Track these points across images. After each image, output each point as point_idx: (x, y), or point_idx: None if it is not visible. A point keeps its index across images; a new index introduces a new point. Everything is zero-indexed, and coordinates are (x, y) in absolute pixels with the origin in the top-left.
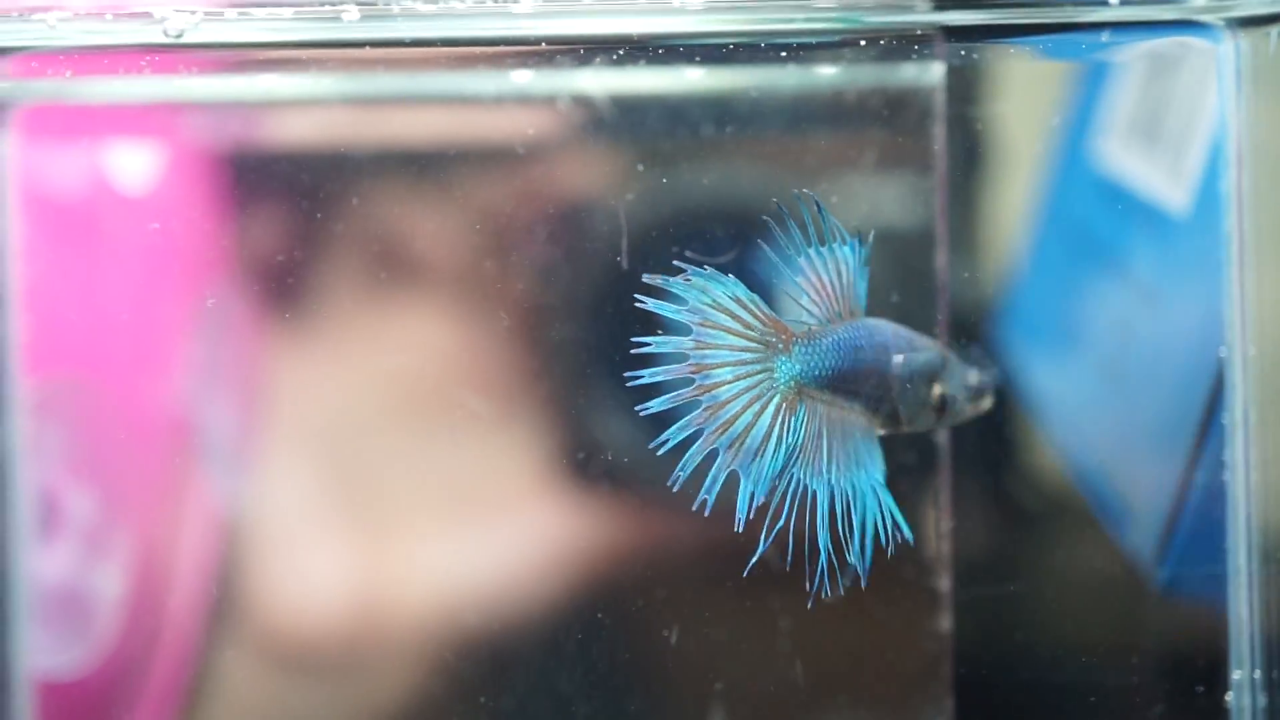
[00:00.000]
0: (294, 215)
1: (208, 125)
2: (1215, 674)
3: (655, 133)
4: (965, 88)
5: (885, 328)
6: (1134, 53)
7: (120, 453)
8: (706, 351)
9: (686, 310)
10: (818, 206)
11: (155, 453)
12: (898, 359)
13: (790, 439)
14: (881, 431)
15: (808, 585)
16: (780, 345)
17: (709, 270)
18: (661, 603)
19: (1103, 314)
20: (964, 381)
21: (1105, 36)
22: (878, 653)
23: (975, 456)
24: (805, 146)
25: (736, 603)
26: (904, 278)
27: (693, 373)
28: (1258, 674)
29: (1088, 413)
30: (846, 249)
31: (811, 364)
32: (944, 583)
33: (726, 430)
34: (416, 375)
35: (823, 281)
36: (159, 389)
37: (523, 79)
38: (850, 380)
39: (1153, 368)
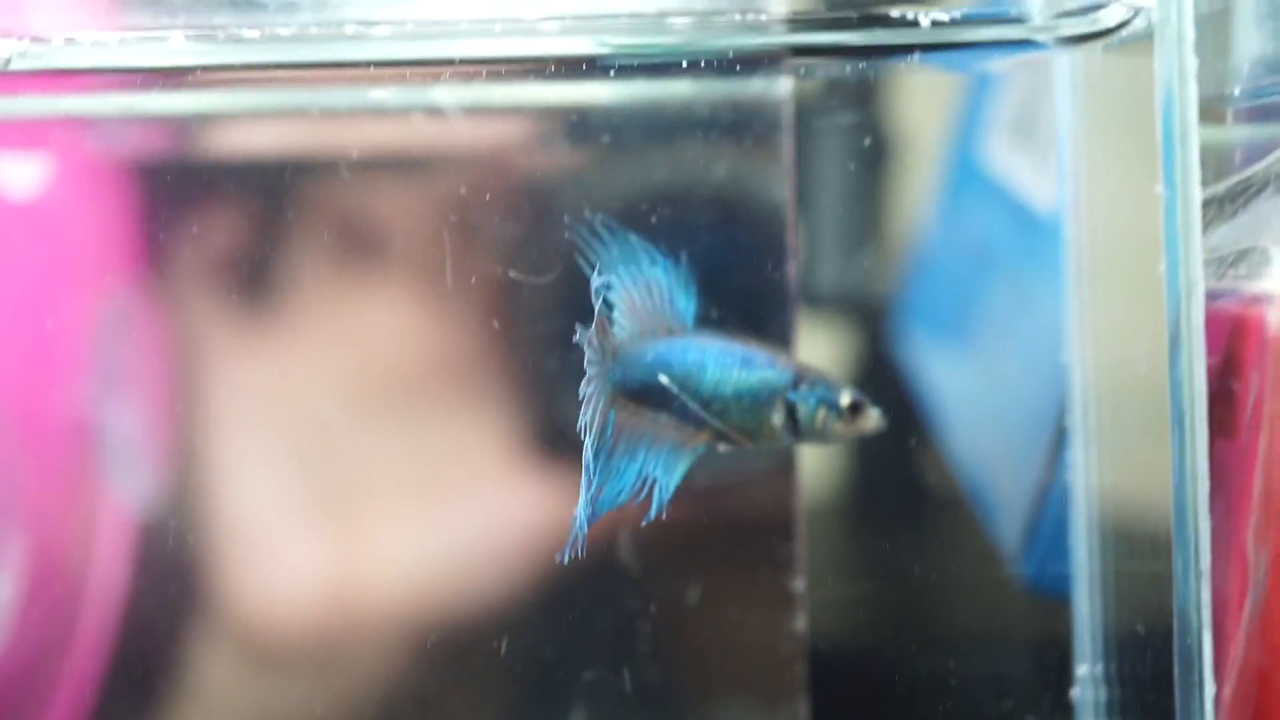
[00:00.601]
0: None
1: (102, 135)
2: (1066, 669)
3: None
4: (832, 95)
5: (712, 345)
6: (1002, 64)
7: (11, 459)
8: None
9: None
10: (612, 230)
11: (51, 457)
12: (713, 378)
13: (602, 439)
14: (722, 447)
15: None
16: (610, 354)
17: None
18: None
19: (986, 311)
20: (828, 399)
21: (916, 58)
22: (733, 653)
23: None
24: (659, 159)
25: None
26: (758, 285)
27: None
28: (1099, 668)
29: (966, 408)
30: (658, 269)
31: (626, 373)
32: (799, 583)
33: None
34: (376, 362)
35: (633, 301)
36: (55, 393)
37: (382, 95)
38: (658, 396)
39: (1025, 365)
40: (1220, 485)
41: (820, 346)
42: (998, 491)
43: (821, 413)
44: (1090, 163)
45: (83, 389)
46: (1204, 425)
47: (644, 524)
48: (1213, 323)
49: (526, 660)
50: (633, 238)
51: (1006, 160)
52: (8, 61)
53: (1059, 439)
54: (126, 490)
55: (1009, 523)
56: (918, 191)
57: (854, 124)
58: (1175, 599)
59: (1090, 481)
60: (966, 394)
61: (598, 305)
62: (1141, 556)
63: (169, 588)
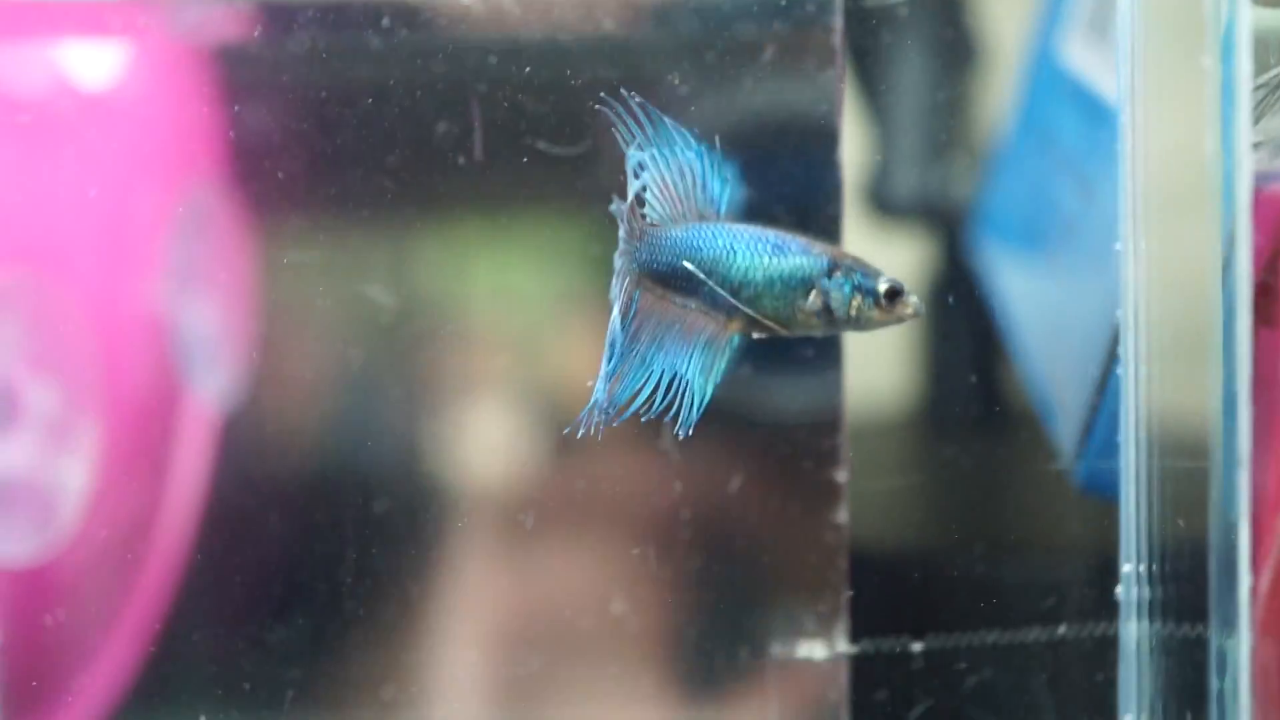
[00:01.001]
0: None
1: (180, 19)
2: (1112, 569)
3: (560, 25)
4: None
5: (744, 232)
6: None
7: (86, 349)
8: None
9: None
10: (645, 109)
11: (127, 350)
12: (743, 265)
13: (629, 322)
14: (756, 335)
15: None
16: (638, 234)
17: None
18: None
19: (1055, 212)
20: (864, 285)
21: None
22: (776, 542)
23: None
24: (707, 42)
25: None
26: (807, 173)
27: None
28: (1143, 567)
29: (1034, 312)
30: (692, 153)
31: (653, 256)
32: (841, 475)
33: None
34: None
35: (666, 184)
36: (130, 287)
37: None
38: (684, 281)
39: (1087, 262)
40: (1262, 374)
41: (883, 253)
42: (1059, 393)
43: (857, 299)
44: (1147, 45)
45: (160, 284)
46: (1248, 314)
47: (679, 433)
48: (1262, 206)
49: (568, 541)
50: (667, 120)
51: (1084, 54)
52: None
53: (1115, 337)
54: (204, 387)
55: (1067, 424)
56: (995, 88)
57: (918, 11)
58: (1215, 489)
59: (1139, 376)
60: (1037, 297)
61: (631, 182)
62: (1187, 453)
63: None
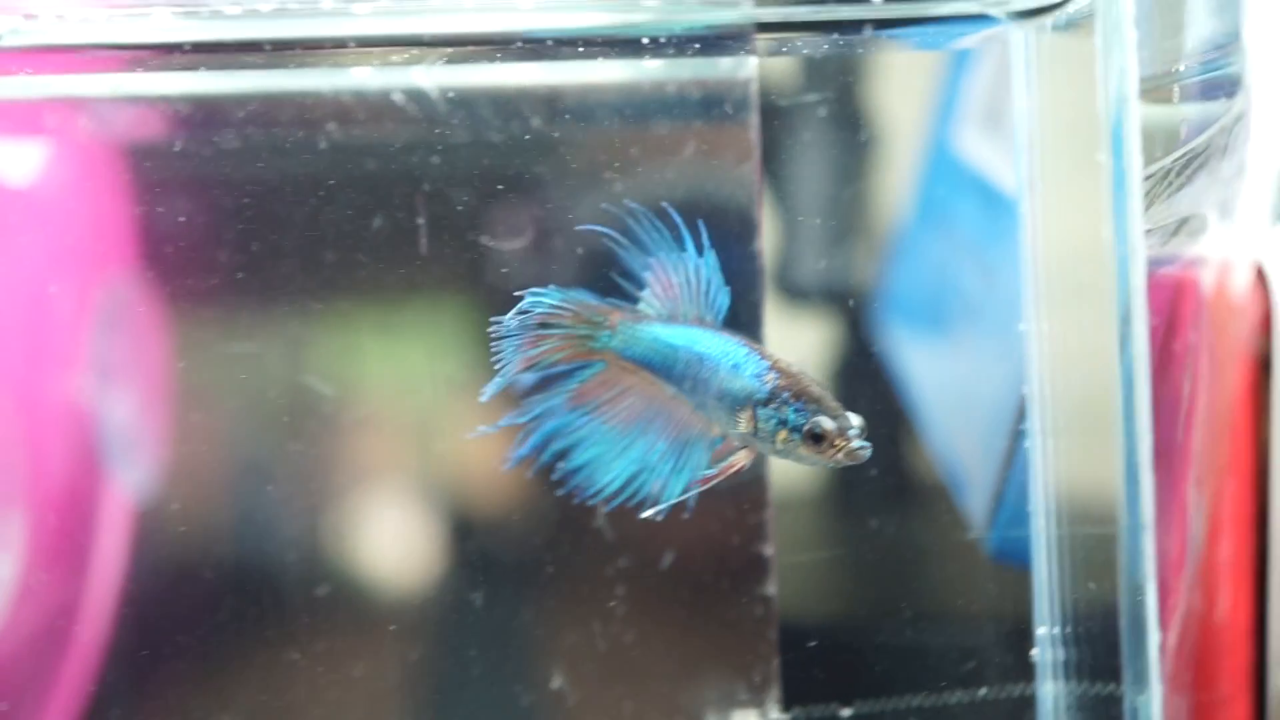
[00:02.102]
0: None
1: (98, 119)
2: (1027, 633)
3: (487, 125)
4: (808, 76)
5: (717, 342)
6: (972, 40)
7: (11, 443)
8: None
9: (519, 327)
10: (666, 213)
11: (51, 441)
12: (705, 374)
13: (577, 381)
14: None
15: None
16: (606, 324)
17: (530, 292)
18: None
19: (956, 294)
20: (792, 423)
21: (868, 31)
22: (707, 615)
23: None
24: (631, 137)
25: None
26: (728, 261)
27: (527, 350)
28: (1057, 630)
29: (939, 385)
30: (701, 260)
31: (625, 344)
32: (768, 549)
33: (534, 360)
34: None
35: (671, 283)
36: (54, 381)
37: (361, 75)
38: (662, 374)
39: (989, 343)
40: (1162, 443)
41: (798, 336)
42: (966, 465)
43: (783, 433)
44: (1043, 140)
45: (81, 375)
46: (1146, 386)
47: (651, 516)
48: (1156, 289)
49: (502, 623)
50: (681, 224)
51: (978, 145)
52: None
53: (1020, 412)
54: (125, 477)
55: (976, 496)
56: (895, 178)
57: (827, 108)
58: (1122, 553)
59: (1046, 448)
60: (942, 376)
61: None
62: (1095, 520)
63: (168, 571)
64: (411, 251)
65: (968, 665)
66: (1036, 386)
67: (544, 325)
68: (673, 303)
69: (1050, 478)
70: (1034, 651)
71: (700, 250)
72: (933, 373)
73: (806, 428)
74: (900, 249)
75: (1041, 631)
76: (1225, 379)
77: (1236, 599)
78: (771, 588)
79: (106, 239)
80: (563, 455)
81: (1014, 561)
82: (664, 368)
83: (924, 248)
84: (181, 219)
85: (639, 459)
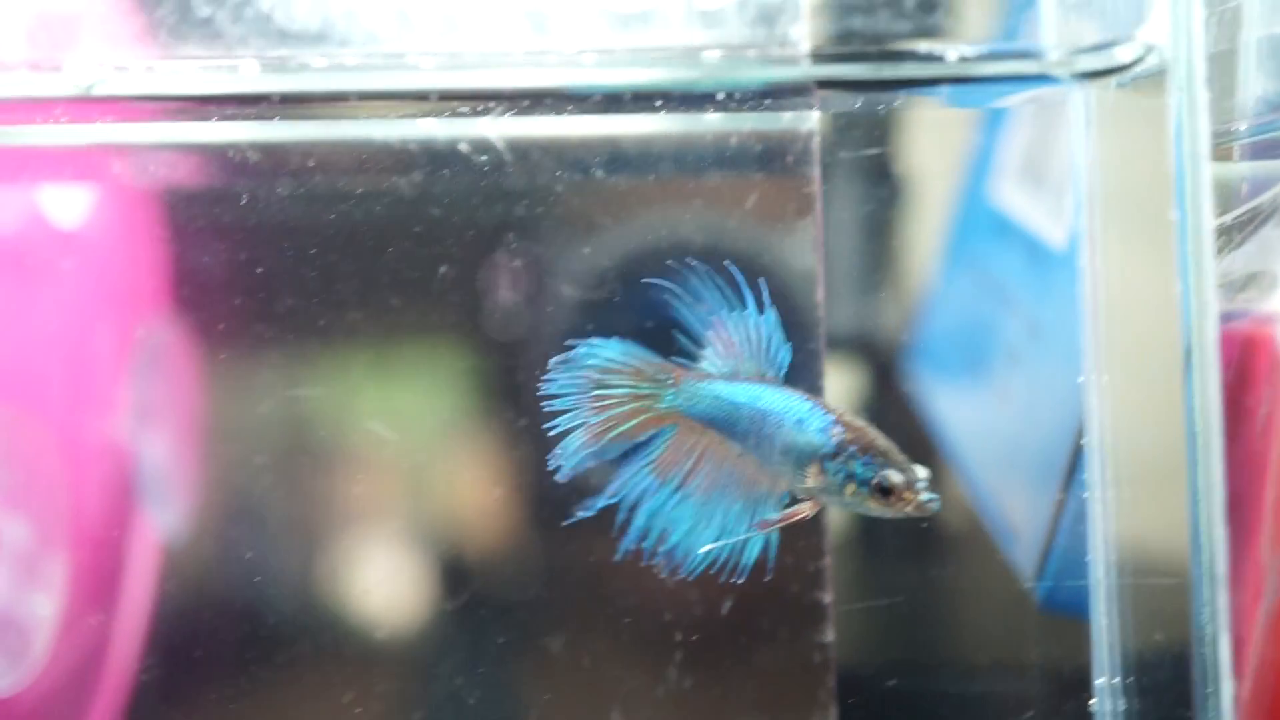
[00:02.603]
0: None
1: (139, 165)
2: (1084, 683)
3: (549, 177)
4: (853, 131)
5: (779, 398)
6: (1019, 98)
7: (55, 483)
8: (604, 387)
9: (581, 374)
10: (728, 270)
11: (91, 483)
12: (769, 431)
13: (656, 451)
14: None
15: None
16: (670, 382)
17: (594, 341)
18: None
19: (994, 344)
20: (860, 476)
21: (945, 93)
22: (765, 661)
23: None
24: (692, 189)
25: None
26: (785, 315)
27: (591, 405)
28: (1117, 680)
29: (981, 438)
30: (762, 318)
31: (688, 403)
32: (826, 596)
33: (604, 428)
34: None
35: (733, 341)
36: (95, 422)
37: (427, 127)
38: (726, 432)
39: (1035, 393)
40: (1234, 497)
41: (836, 383)
42: (1012, 516)
43: (851, 486)
44: (1104, 196)
45: (119, 416)
46: (1219, 439)
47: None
48: (1225, 343)
49: (568, 667)
50: (742, 283)
51: (1015, 198)
52: (89, 88)
53: (1073, 463)
54: (157, 516)
55: (1025, 546)
56: (931, 230)
57: (874, 162)
58: (1192, 607)
59: (1108, 499)
60: (981, 425)
61: (684, 336)
62: (1161, 571)
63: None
64: (468, 297)
65: (1025, 714)
66: (1098, 438)
67: (602, 383)
68: (734, 360)
69: (1112, 528)
70: (1092, 701)
71: (761, 308)
72: (972, 422)
73: (875, 481)
74: (935, 300)
75: (1100, 681)
76: None
77: None
78: (829, 635)
79: (145, 281)
80: (661, 533)
81: (1063, 611)
82: (727, 425)
83: (959, 298)
84: (214, 262)
85: (721, 524)
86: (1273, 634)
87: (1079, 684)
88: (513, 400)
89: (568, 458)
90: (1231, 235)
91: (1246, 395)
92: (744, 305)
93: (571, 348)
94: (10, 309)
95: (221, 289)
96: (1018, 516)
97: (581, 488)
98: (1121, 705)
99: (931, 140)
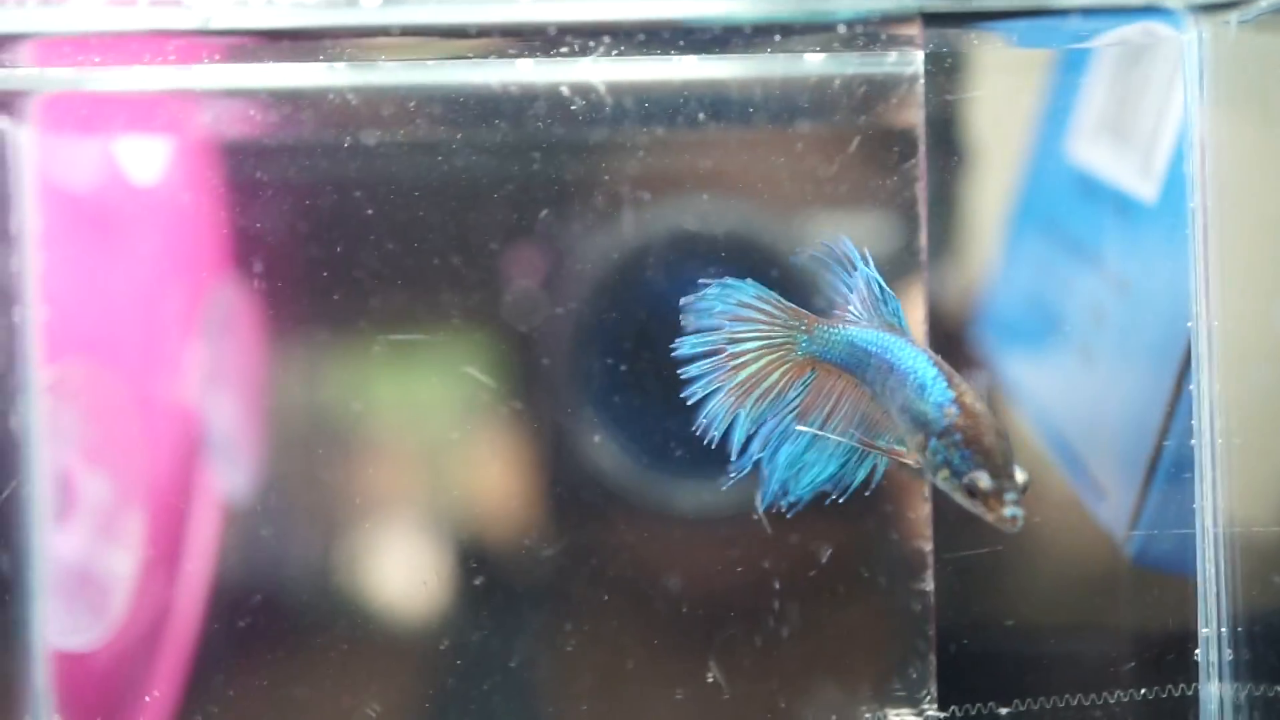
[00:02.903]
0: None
1: (219, 115)
2: (1185, 634)
3: (651, 119)
4: (945, 77)
5: (908, 355)
6: (1106, 39)
7: (130, 439)
8: (737, 335)
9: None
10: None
11: (163, 441)
12: (893, 385)
13: (795, 396)
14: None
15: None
16: (803, 328)
17: (728, 280)
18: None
19: (1075, 303)
20: (956, 468)
21: (1076, 20)
22: (866, 609)
23: None
24: (792, 134)
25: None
26: (884, 262)
27: (724, 352)
28: (1224, 630)
29: (1063, 396)
30: (867, 271)
31: (822, 348)
32: (927, 544)
33: (742, 383)
34: None
35: (866, 297)
36: (167, 380)
37: (525, 68)
38: (857, 376)
39: (1124, 350)
40: None
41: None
42: (1100, 476)
43: (945, 472)
44: (1215, 148)
45: (189, 377)
46: None
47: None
48: None
49: (665, 615)
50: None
51: (1097, 154)
52: (208, 20)
53: (1170, 412)
54: (223, 478)
55: (1114, 503)
56: (1006, 182)
57: (958, 111)
58: None
59: (1215, 446)
60: (1063, 385)
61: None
62: (1267, 520)
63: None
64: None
65: (1127, 666)
66: (1205, 384)
67: (735, 331)
68: (863, 312)
69: (1220, 476)
70: (1197, 652)
71: (880, 286)
72: (1052, 382)
73: (966, 479)
74: (1007, 261)
75: (1206, 632)
76: None
77: None
78: (929, 583)
79: (214, 241)
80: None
81: (1157, 566)
82: (858, 371)
83: (1034, 258)
84: (280, 224)
85: (844, 461)
86: None
87: (1180, 636)
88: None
89: (715, 423)
90: None
91: None
92: (854, 264)
93: (704, 286)
94: (89, 264)
95: (294, 250)
96: (1106, 475)
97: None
98: (1229, 655)
99: (1006, 90)
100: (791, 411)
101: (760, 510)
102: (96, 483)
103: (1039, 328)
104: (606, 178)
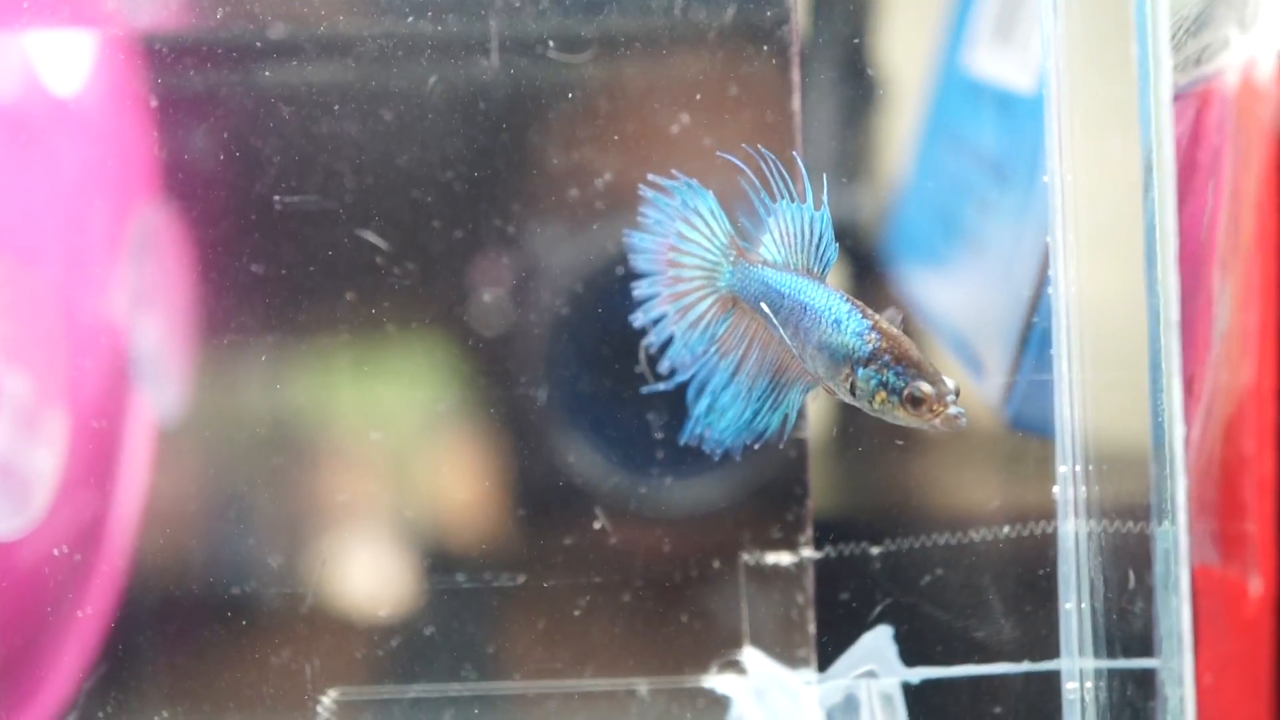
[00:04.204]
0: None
1: (141, 13)
2: (1046, 485)
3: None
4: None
5: (821, 295)
6: None
7: (53, 342)
8: (682, 246)
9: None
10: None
11: (88, 351)
12: (807, 324)
13: (714, 329)
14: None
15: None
16: (730, 259)
17: (693, 182)
18: None
19: (967, 200)
20: (891, 385)
21: None
22: (746, 457)
23: None
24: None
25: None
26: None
27: (665, 259)
28: (1078, 468)
29: (952, 286)
30: (817, 215)
31: (740, 284)
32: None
33: (677, 300)
34: None
35: (787, 234)
36: (92, 295)
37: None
38: (767, 318)
39: (1004, 235)
40: (1187, 250)
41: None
42: (981, 352)
43: (881, 394)
44: (1068, 37)
45: (115, 294)
46: (1172, 207)
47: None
48: (1179, 111)
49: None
50: (807, 179)
51: (987, 62)
52: None
53: (1039, 283)
54: (153, 398)
55: (991, 375)
56: (908, 114)
57: (846, 46)
58: (1148, 344)
59: (1070, 294)
60: (954, 277)
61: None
62: (1115, 364)
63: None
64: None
65: (991, 505)
66: (1060, 234)
67: (683, 233)
68: (786, 251)
69: (1074, 321)
70: (1054, 489)
71: (818, 204)
72: (945, 276)
73: (906, 391)
74: (912, 179)
75: (1063, 470)
76: (1251, 161)
77: (1263, 361)
78: (806, 430)
79: (138, 161)
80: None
81: (1029, 429)
82: (771, 311)
83: (935, 172)
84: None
85: (757, 407)
86: (1223, 359)
87: (1042, 488)
88: None
89: (647, 317)
90: (1189, 25)
91: (1198, 151)
92: (799, 198)
93: (673, 179)
94: (6, 167)
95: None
96: (985, 349)
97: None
98: (1082, 492)
99: (908, 16)
100: (717, 349)
101: (682, 443)
102: (16, 380)
103: (938, 232)
104: None
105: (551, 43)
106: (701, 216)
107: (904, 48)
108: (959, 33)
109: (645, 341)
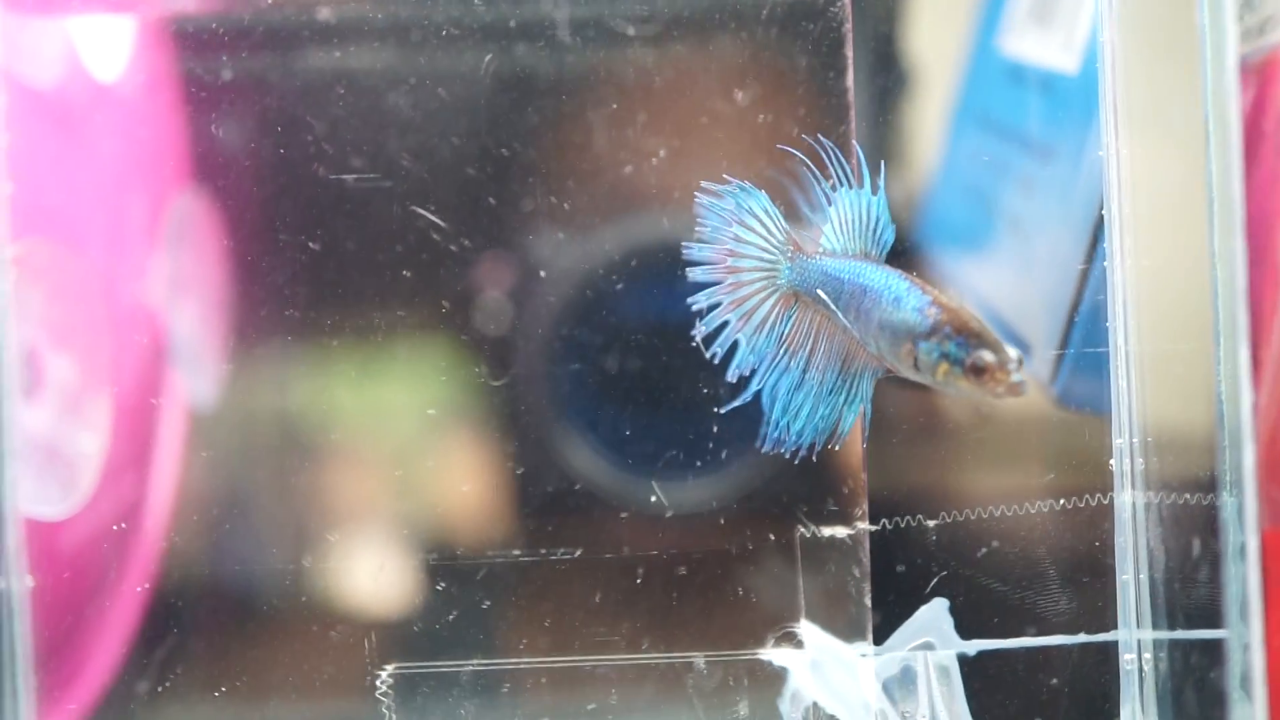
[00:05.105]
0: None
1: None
2: (1101, 459)
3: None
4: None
5: (880, 275)
6: None
7: (98, 327)
8: (739, 250)
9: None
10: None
11: (128, 334)
12: (868, 306)
13: (780, 328)
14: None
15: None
16: (788, 255)
17: (744, 184)
18: None
19: (1007, 181)
20: (953, 356)
21: None
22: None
23: None
24: (717, 61)
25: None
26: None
27: (724, 265)
28: (1135, 440)
29: (995, 268)
30: (875, 199)
31: (800, 277)
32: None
33: (739, 306)
34: None
35: (847, 221)
36: (132, 280)
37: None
38: (828, 307)
39: (1049, 212)
40: (1254, 220)
41: None
42: (1026, 331)
43: (944, 366)
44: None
45: (155, 281)
46: (1239, 174)
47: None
48: (1244, 79)
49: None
50: (865, 166)
51: (1025, 45)
52: None
53: (1089, 259)
54: (188, 383)
55: (1039, 354)
56: (940, 98)
57: (886, 31)
58: (1214, 313)
59: (1125, 267)
60: (993, 258)
61: (811, 219)
62: (1177, 336)
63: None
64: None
65: (1047, 478)
66: (1115, 208)
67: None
68: (845, 237)
69: (1131, 293)
70: (1110, 461)
71: (875, 188)
72: (984, 257)
73: (969, 361)
74: (944, 162)
75: (1119, 442)
76: None
77: None
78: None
79: (176, 146)
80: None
81: (1079, 406)
82: (831, 299)
83: (968, 155)
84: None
85: (825, 397)
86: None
87: (1096, 462)
88: None
89: (710, 326)
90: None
91: (1264, 119)
92: (856, 184)
93: (724, 183)
94: (52, 152)
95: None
96: (1030, 329)
97: None
98: (1139, 463)
99: (943, 7)
100: (785, 349)
101: (764, 451)
102: (62, 363)
103: (975, 215)
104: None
105: (611, 21)
106: (756, 217)
107: (940, 33)
108: (995, 17)
109: (710, 353)
